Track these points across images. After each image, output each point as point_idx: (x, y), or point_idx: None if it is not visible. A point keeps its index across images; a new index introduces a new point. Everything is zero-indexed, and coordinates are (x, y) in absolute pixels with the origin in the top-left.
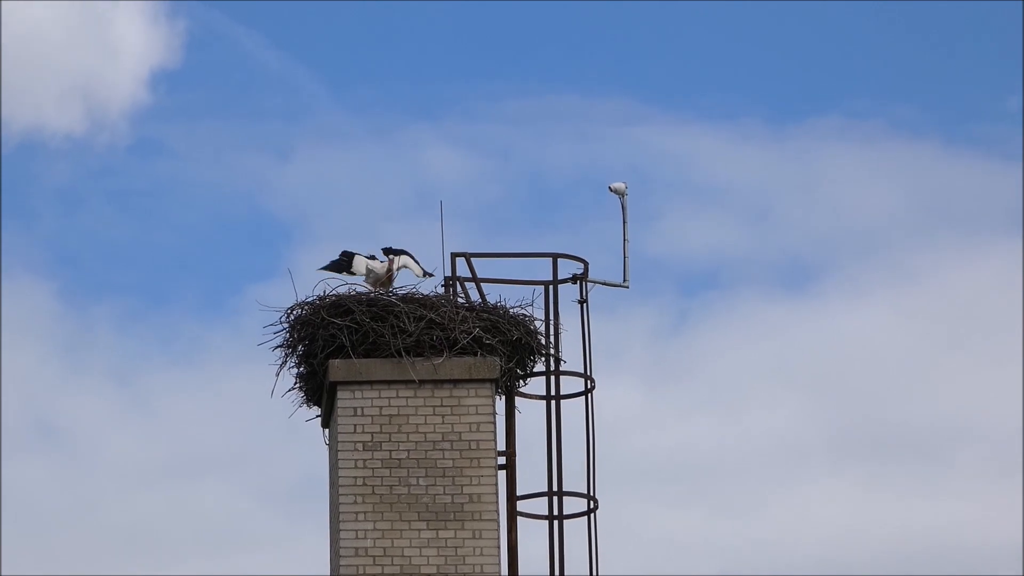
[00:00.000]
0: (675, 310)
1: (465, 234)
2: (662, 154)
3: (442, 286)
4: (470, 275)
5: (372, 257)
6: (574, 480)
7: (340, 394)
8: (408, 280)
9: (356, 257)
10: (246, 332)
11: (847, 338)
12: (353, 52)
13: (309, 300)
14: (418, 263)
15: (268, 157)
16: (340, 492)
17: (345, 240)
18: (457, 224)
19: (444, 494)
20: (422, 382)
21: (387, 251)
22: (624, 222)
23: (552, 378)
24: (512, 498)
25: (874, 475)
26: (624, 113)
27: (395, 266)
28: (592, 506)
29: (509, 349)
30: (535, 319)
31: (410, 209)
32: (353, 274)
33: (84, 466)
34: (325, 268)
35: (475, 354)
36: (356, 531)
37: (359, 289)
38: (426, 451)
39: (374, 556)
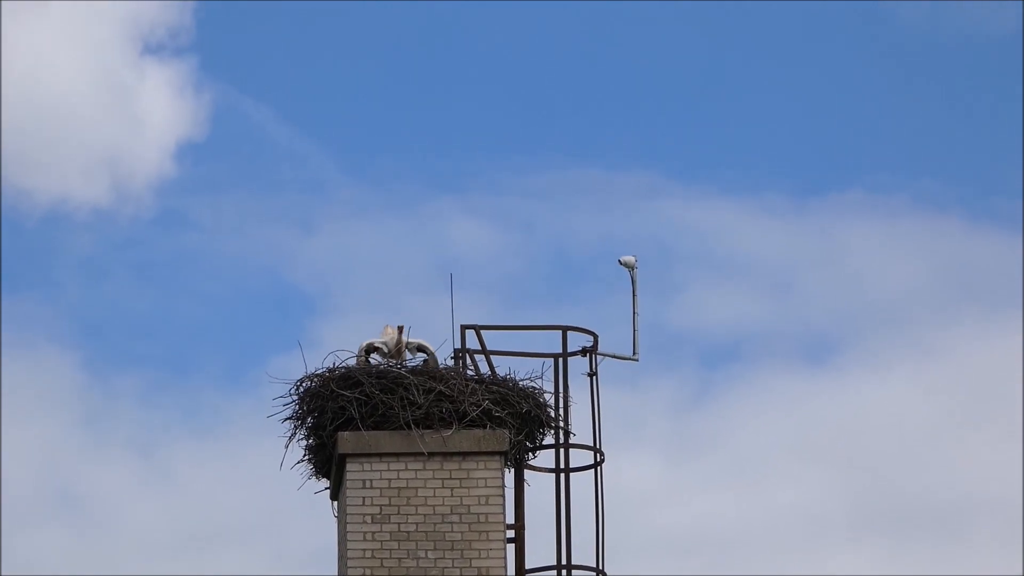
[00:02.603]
0: (696, 383)
1: (486, 307)
2: (684, 227)
3: (451, 358)
4: (480, 347)
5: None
6: (584, 554)
7: (349, 466)
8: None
9: None
10: (266, 404)
11: (868, 412)
12: (377, 127)
13: (319, 372)
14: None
15: (292, 230)
16: (349, 565)
17: (368, 312)
18: (478, 297)
19: (453, 567)
20: (431, 454)
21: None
22: (634, 295)
23: (561, 451)
24: (521, 572)
25: (895, 549)
26: (647, 187)
27: (404, 336)
28: None
29: (518, 422)
30: (544, 392)
31: (433, 282)
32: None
33: (105, 537)
34: None
35: (484, 426)
36: None
37: (369, 361)
38: (435, 524)
39: None
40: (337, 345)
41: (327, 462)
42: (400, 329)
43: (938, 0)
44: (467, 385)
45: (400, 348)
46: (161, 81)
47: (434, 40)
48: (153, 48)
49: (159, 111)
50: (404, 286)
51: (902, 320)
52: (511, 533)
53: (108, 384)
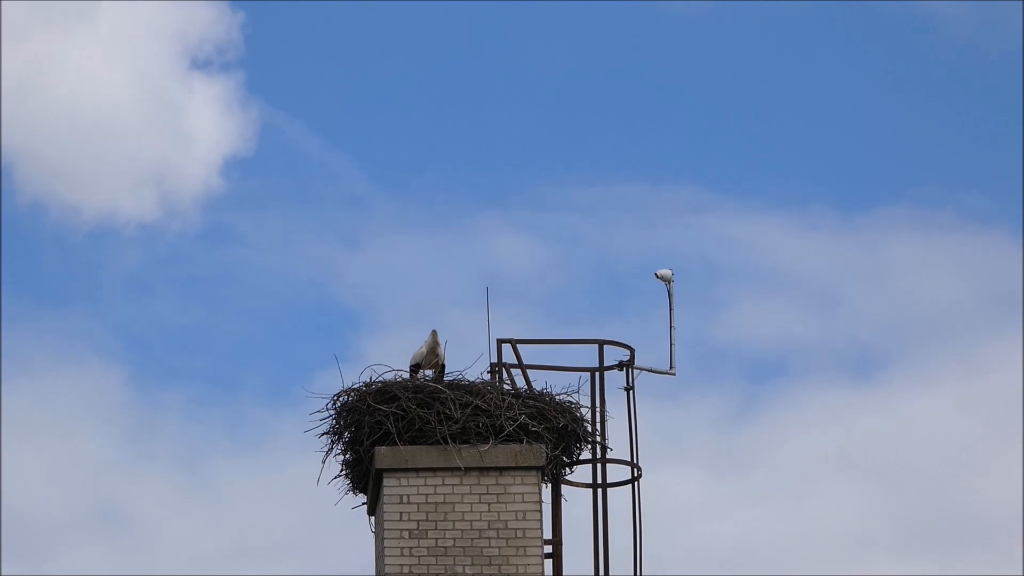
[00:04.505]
0: (742, 397)
1: (529, 322)
2: (729, 241)
3: (488, 373)
4: (516, 361)
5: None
6: (622, 569)
7: (386, 481)
8: (452, 366)
9: None
10: (307, 419)
11: (913, 427)
12: (420, 143)
13: (355, 387)
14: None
15: (336, 245)
16: None
17: (412, 328)
18: (521, 311)
19: None
20: (468, 469)
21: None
22: (670, 308)
23: (599, 466)
24: None
25: (939, 565)
26: (691, 201)
27: (439, 342)
28: None
29: (555, 436)
30: (581, 406)
31: (476, 297)
32: None
33: (149, 552)
34: None
35: (521, 441)
36: None
37: (405, 376)
38: (472, 539)
39: None
40: (381, 360)
41: (364, 477)
42: (434, 334)
43: (984, 6)
44: (504, 400)
45: (435, 351)
46: (209, 96)
47: (477, 56)
48: (201, 63)
49: (206, 126)
50: (447, 301)
51: (948, 335)
52: (548, 548)
53: (153, 399)
